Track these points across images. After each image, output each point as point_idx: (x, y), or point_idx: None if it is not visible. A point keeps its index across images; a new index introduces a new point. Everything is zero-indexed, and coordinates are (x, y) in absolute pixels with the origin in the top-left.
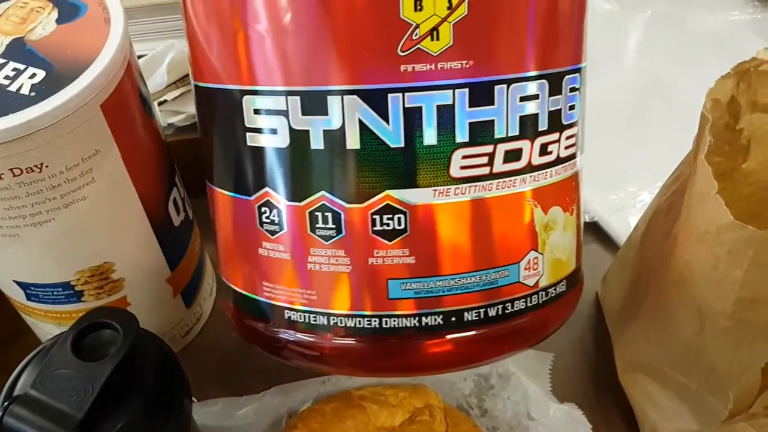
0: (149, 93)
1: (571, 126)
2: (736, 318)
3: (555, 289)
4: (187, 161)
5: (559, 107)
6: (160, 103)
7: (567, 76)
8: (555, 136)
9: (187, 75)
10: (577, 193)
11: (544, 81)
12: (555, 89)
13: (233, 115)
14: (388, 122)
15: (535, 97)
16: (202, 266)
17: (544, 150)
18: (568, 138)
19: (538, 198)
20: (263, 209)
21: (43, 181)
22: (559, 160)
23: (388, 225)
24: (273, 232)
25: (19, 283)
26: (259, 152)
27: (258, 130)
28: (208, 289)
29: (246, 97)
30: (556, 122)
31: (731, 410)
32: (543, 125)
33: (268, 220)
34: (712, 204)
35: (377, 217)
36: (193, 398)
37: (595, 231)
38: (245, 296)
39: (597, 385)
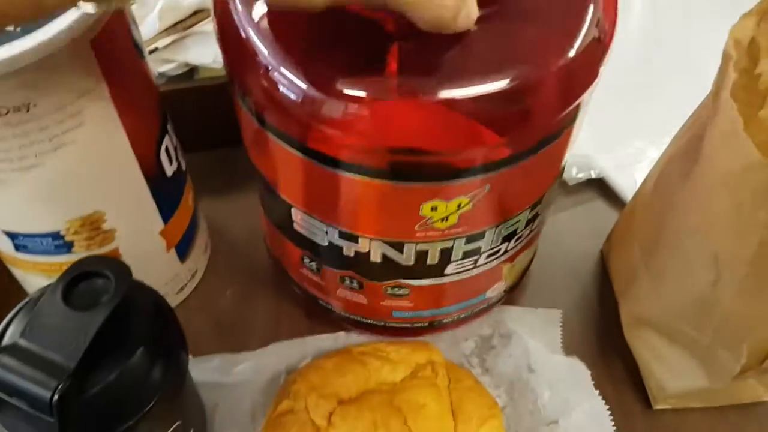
0: (141, 36)
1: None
2: (756, 264)
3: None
4: (179, 112)
5: (536, 212)
6: (151, 52)
7: (548, 192)
8: (530, 228)
9: (180, 22)
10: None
11: (527, 211)
12: (536, 205)
13: (286, 211)
14: (402, 254)
15: (518, 222)
16: (196, 222)
17: (518, 240)
18: (540, 221)
19: (510, 259)
20: (305, 258)
21: (31, 123)
22: (530, 234)
23: (396, 292)
24: (314, 272)
25: (7, 233)
26: (305, 237)
27: (303, 229)
28: (203, 246)
29: (293, 210)
30: (532, 220)
31: (744, 364)
32: (521, 229)
33: (309, 267)
34: (736, 143)
35: (389, 288)
36: (189, 355)
37: (600, 188)
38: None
39: (601, 343)
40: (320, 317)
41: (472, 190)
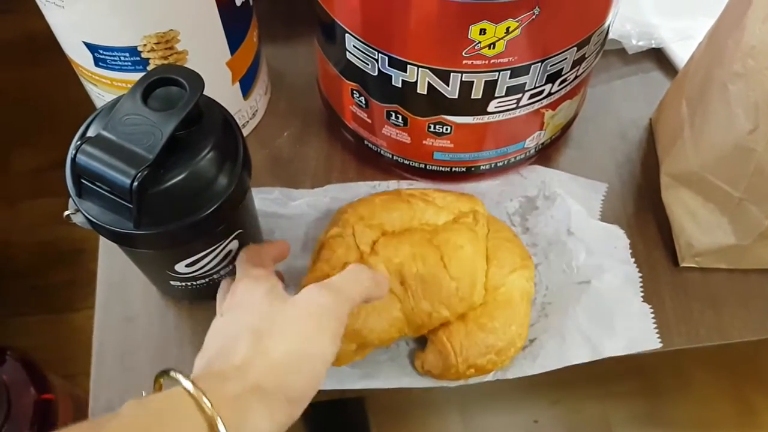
0: None
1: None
2: None
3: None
4: None
5: (583, 53)
6: None
7: (596, 33)
8: (575, 71)
9: None
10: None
11: (573, 48)
12: (583, 45)
13: (340, 39)
14: (448, 86)
15: (563, 60)
16: (259, 61)
17: (562, 82)
18: (585, 67)
19: (551, 106)
20: (354, 93)
21: None
22: (576, 79)
23: (438, 130)
24: (361, 108)
25: (88, 45)
26: (357, 68)
27: (355, 58)
28: (264, 88)
29: (347, 37)
30: (578, 63)
31: None
32: (566, 70)
33: (358, 102)
34: None
35: (432, 125)
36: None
37: (658, 58)
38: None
39: (639, 205)
40: (368, 161)
41: (522, 12)
